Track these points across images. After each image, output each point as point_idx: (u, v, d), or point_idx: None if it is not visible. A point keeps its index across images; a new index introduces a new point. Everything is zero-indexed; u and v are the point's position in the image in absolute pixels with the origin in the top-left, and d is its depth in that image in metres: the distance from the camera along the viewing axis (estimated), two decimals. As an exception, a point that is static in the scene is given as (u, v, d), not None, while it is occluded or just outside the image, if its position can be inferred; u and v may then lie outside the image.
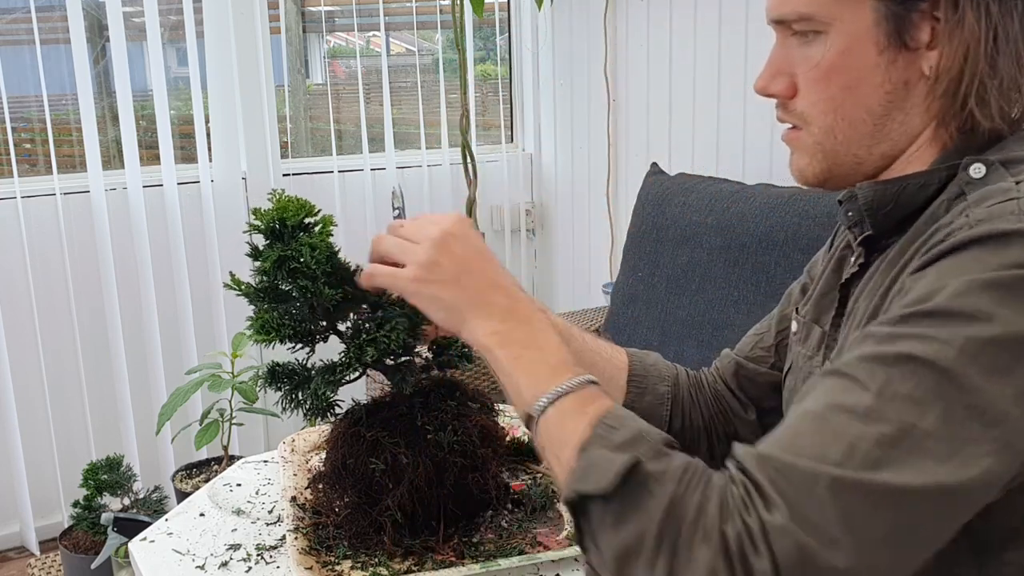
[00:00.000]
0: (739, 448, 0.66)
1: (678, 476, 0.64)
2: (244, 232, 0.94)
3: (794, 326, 0.97)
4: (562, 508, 1.05)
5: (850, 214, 0.85)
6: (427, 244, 0.85)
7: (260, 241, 0.94)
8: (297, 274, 0.91)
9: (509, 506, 1.04)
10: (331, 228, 0.95)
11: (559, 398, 0.75)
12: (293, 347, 0.94)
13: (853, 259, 0.85)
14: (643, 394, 1.05)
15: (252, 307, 0.94)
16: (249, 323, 0.92)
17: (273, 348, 0.93)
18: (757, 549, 0.59)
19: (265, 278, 0.92)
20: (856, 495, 0.60)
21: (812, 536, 0.59)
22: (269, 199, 0.94)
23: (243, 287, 0.93)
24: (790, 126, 0.84)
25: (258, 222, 0.92)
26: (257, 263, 0.92)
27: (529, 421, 0.77)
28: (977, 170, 0.74)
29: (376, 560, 0.94)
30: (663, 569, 0.62)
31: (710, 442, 1.07)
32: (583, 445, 0.69)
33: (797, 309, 0.98)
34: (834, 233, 0.99)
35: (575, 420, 0.72)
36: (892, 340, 0.65)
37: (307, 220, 0.93)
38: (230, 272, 0.95)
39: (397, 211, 1.01)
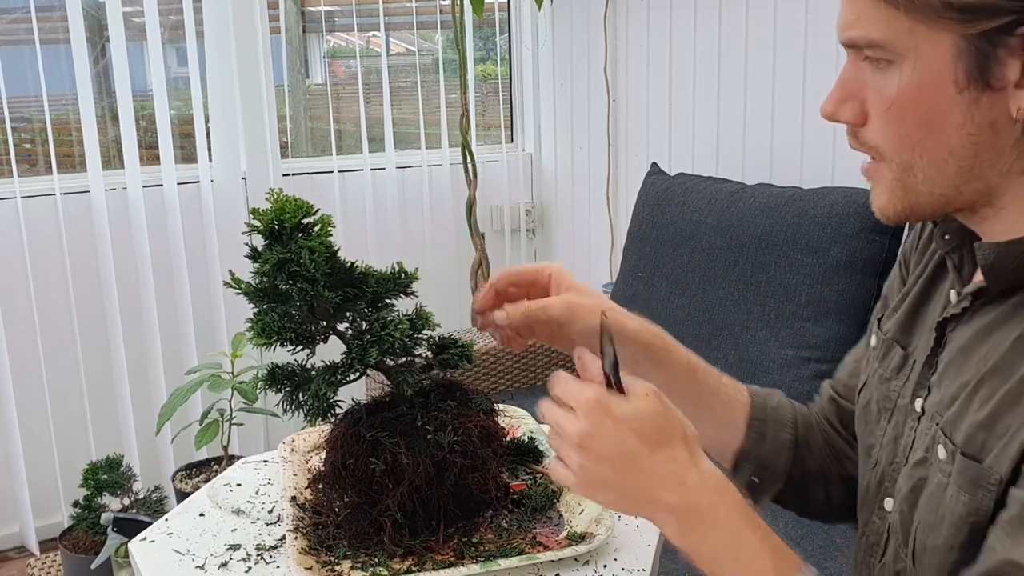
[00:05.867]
0: None
1: None
2: (243, 233, 0.94)
3: (873, 340, 0.90)
4: (563, 508, 1.05)
5: (947, 237, 0.77)
6: (569, 447, 0.76)
7: (259, 241, 0.94)
8: (297, 277, 0.90)
9: (509, 506, 1.04)
10: (330, 228, 0.95)
11: None
12: (293, 349, 0.94)
13: (955, 301, 0.77)
14: (761, 440, 0.99)
15: (252, 307, 0.94)
16: (250, 325, 0.92)
17: (274, 351, 0.93)
18: None
19: (265, 279, 0.92)
20: None
21: None
22: (267, 198, 0.93)
23: (243, 286, 0.92)
24: (869, 157, 0.76)
25: (256, 222, 0.92)
26: (256, 265, 0.92)
27: None
28: None
29: (376, 560, 0.94)
30: None
31: (826, 488, 1.01)
32: None
33: (880, 322, 0.91)
34: (918, 235, 0.90)
35: None
36: None
37: (305, 221, 0.93)
38: (229, 271, 0.95)
39: (610, 362, 0.80)
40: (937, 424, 0.75)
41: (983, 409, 0.70)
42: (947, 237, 0.78)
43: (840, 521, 1.04)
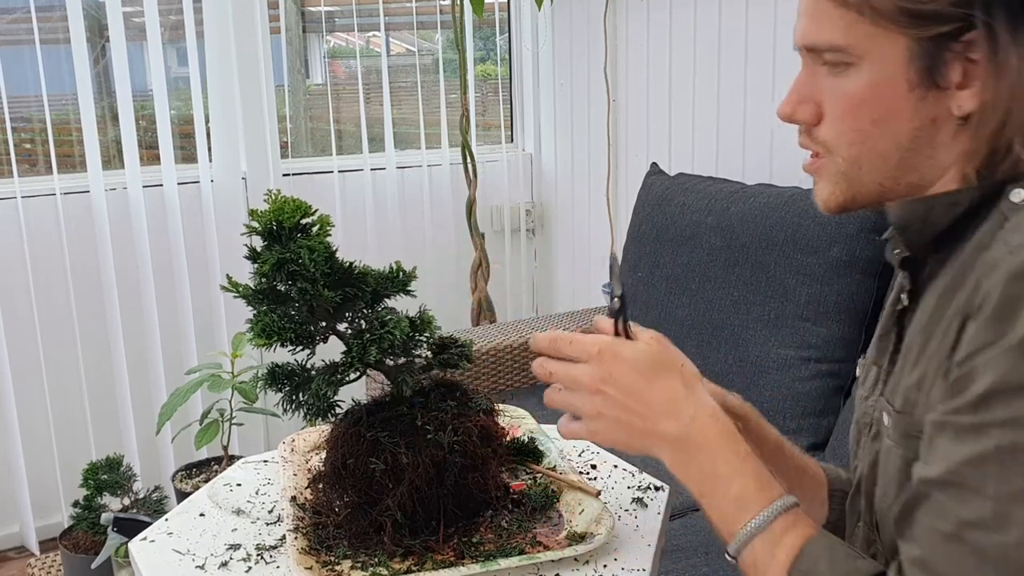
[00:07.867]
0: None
1: None
2: (242, 235, 0.94)
3: (858, 370, 0.96)
4: (563, 508, 1.05)
5: (896, 252, 0.84)
6: (585, 395, 0.84)
7: (258, 243, 0.94)
8: (296, 277, 0.90)
9: (509, 506, 1.04)
10: (328, 228, 0.95)
11: (750, 540, 0.77)
12: (293, 349, 0.94)
13: (904, 294, 0.84)
14: (842, 513, 0.99)
15: (251, 308, 0.94)
16: (250, 326, 0.92)
17: (274, 351, 0.93)
18: None
19: (264, 280, 0.92)
20: None
21: None
22: (265, 200, 0.93)
23: (241, 289, 0.92)
24: (811, 154, 0.83)
25: (255, 223, 0.92)
26: (255, 266, 0.92)
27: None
28: (1018, 195, 0.73)
29: (376, 560, 0.94)
30: None
31: None
32: None
33: (864, 354, 0.96)
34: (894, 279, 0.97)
35: (768, 565, 0.76)
36: (982, 431, 0.66)
37: (304, 221, 0.93)
38: (227, 275, 0.95)
39: (614, 297, 0.87)
40: (884, 396, 0.81)
41: (915, 371, 0.76)
42: (897, 252, 0.84)
43: None
